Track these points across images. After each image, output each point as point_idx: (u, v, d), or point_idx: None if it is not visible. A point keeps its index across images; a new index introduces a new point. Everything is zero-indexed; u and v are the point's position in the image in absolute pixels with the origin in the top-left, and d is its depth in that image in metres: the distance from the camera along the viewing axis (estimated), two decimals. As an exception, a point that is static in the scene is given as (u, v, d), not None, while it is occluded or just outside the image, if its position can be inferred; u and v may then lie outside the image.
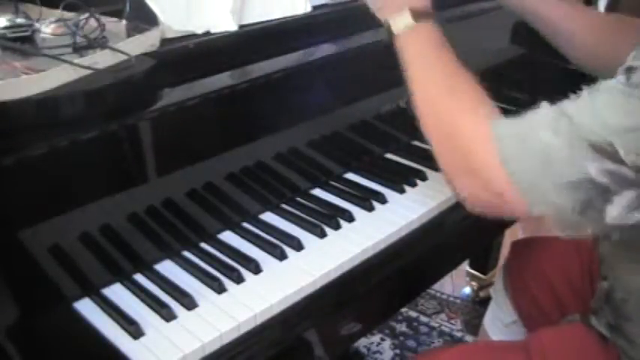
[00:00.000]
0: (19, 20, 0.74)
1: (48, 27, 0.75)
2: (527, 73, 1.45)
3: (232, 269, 0.79)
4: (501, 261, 1.84)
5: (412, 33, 0.76)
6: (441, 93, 0.73)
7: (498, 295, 1.23)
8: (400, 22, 0.76)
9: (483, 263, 1.86)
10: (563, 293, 1.07)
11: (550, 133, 0.63)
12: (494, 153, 0.66)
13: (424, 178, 1.01)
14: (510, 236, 1.84)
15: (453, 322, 1.84)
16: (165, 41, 0.80)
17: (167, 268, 0.81)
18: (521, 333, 1.17)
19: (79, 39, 0.72)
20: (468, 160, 0.69)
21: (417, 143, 1.14)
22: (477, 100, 0.72)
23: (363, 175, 1.02)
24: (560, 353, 0.89)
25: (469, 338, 1.76)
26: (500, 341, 1.20)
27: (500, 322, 1.23)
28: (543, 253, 1.12)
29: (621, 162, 0.60)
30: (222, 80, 0.83)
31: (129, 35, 0.78)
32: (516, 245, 1.23)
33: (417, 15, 0.76)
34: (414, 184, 0.99)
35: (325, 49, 0.97)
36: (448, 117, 0.71)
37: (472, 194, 0.70)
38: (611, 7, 2.80)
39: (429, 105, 0.73)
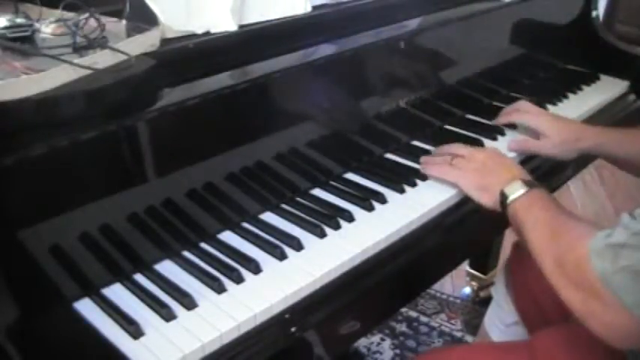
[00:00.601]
0: (19, 20, 0.74)
1: (48, 27, 0.75)
2: (527, 73, 1.45)
3: (232, 269, 0.79)
4: (501, 261, 1.84)
5: (527, 199, 0.88)
6: (553, 238, 0.80)
7: (499, 295, 1.23)
8: (515, 192, 0.88)
9: (483, 263, 1.86)
10: None
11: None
12: (593, 273, 0.69)
13: (424, 178, 1.01)
14: (510, 236, 1.85)
15: (453, 322, 1.84)
16: (165, 41, 0.80)
17: (167, 268, 0.81)
18: (521, 333, 1.17)
19: (79, 39, 0.72)
20: (579, 288, 0.72)
21: (417, 143, 1.14)
22: (579, 232, 0.77)
23: (363, 175, 1.02)
24: (565, 353, 0.89)
25: (469, 338, 1.76)
26: (503, 342, 1.20)
27: (500, 323, 1.23)
28: None
29: None
30: (222, 80, 0.83)
31: (129, 35, 0.78)
32: (518, 245, 1.23)
33: (526, 183, 0.89)
34: (414, 184, 0.99)
35: (325, 49, 0.97)
36: (561, 256, 0.76)
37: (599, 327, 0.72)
38: (611, 7, 2.80)
39: (545, 253, 0.80)
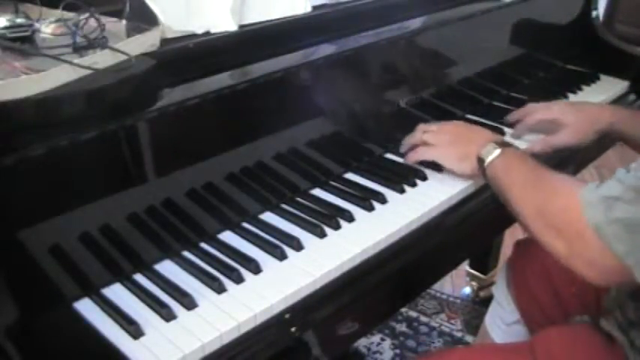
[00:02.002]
0: (19, 20, 0.74)
1: (48, 27, 0.75)
2: (527, 73, 1.45)
3: (232, 269, 0.79)
4: (501, 261, 1.84)
5: (503, 158, 0.91)
6: (538, 196, 0.83)
7: (500, 294, 1.23)
8: (490, 154, 0.91)
9: (483, 263, 1.86)
10: (566, 294, 1.07)
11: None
12: (585, 221, 0.73)
13: (424, 178, 1.01)
14: (510, 236, 1.85)
15: (452, 322, 1.84)
16: (165, 41, 0.80)
17: (167, 268, 0.81)
18: (522, 333, 1.17)
19: (79, 39, 0.72)
20: (562, 233, 0.77)
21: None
22: (562, 182, 0.82)
23: (363, 175, 1.02)
24: (566, 354, 0.89)
25: (469, 338, 1.76)
26: (503, 343, 1.20)
27: (501, 322, 1.23)
28: (546, 254, 1.12)
29: None
30: (222, 80, 0.83)
31: (129, 35, 0.78)
32: (520, 244, 1.23)
33: (499, 144, 0.93)
34: (414, 184, 0.99)
35: (325, 49, 0.97)
36: (547, 211, 0.80)
37: (574, 264, 0.77)
38: (611, 7, 2.80)
39: (532, 211, 0.83)
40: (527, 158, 0.90)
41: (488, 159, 0.91)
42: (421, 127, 1.04)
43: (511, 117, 1.19)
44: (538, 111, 1.14)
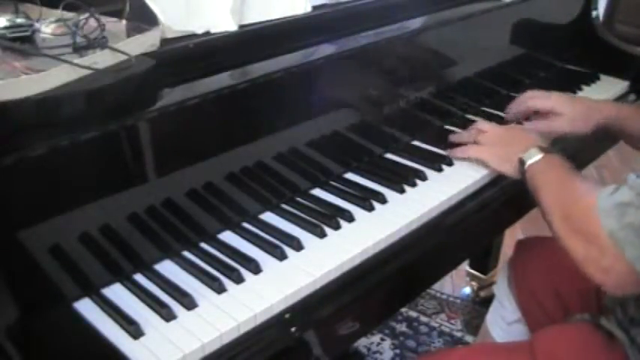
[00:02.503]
0: (19, 20, 0.74)
1: (48, 27, 0.75)
2: (527, 73, 1.45)
3: (232, 269, 0.79)
4: (501, 261, 1.85)
5: (542, 163, 0.94)
6: (563, 192, 0.87)
7: (502, 293, 1.23)
8: (532, 157, 0.95)
9: (483, 263, 1.86)
10: (567, 293, 1.07)
11: None
12: (601, 228, 0.75)
13: (424, 178, 1.01)
14: (510, 236, 1.85)
15: (452, 322, 1.84)
16: (165, 41, 0.80)
17: (167, 268, 0.81)
18: (523, 332, 1.18)
19: (79, 39, 0.72)
20: (582, 239, 0.79)
21: (417, 143, 1.14)
22: (586, 189, 0.84)
23: (363, 175, 1.02)
24: (566, 353, 0.89)
25: (469, 338, 1.76)
26: (503, 343, 1.20)
27: (502, 321, 1.23)
28: (548, 253, 1.12)
29: None
30: (222, 80, 0.83)
31: (129, 35, 0.78)
32: (521, 244, 1.23)
33: (542, 149, 0.95)
34: (414, 184, 0.99)
35: (325, 49, 0.97)
36: (568, 208, 0.84)
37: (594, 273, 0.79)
38: (611, 7, 2.80)
39: (554, 207, 0.86)
40: (565, 165, 0.92)
41: (529, 162, 0.94)
42: (478, 124, 1.09)
43: (511, 105, 1.21)
44: (537, 98, 1.15)
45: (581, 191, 0.84)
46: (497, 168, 1.02)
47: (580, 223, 0.80)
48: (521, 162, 0.96)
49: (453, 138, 1.11)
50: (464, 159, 1.06)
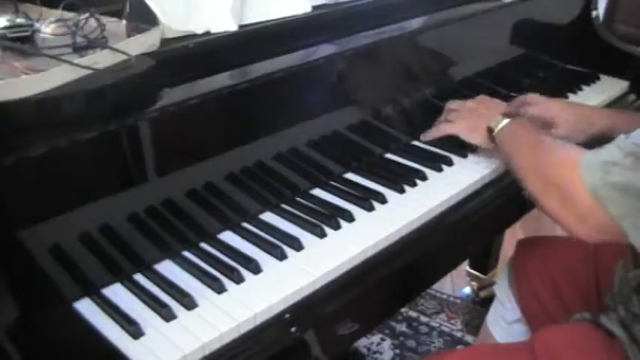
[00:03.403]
0: (19, 20, 0.74)
1: (48, 27, 0.75)
2: (527, 73, 1.45)
3: (232, 269, 0.79)
4: (501, 261, 1.84)
5: (510, 127, 0.97)
6: (538, 156, 0.88)
7: (502, 293, 1.23)
8: (499, 124, 0.98)
9: (483, 263, 1.86)
10: (567, 292, 1.07)
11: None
12: (583, 184, 0.76)
13: (424, 178, 1.01)
14: (510, 236, 1.85)
15: (453, 322, 1.84)
16: (165, 41, 0.80)
17: (167, 268, 0.81)
18: (524, 332, 1.18)
19: (79, 39, 0.72)
20: (557, 188, 0.81)
21: (417, 143, 1.14)
22: (565, 150, 0.85)
23: (363, 175, 1.02)
24: (565, 352, 0.89)
25: (469, 338, 1.76)
26: (504, 343, 1.20)
27: (503, 321, 1.23)
28: (549, 253, 1.13)
29: None
30: (222, 80, 0.83)
31: (129, 35, 0.78)
32: (522, 243, 1.23)
33: (509, 115, 0.99)
34: (414, 184, 0.99)
35: (325, 49, 0.97)
36: (545, 169, 0.85)
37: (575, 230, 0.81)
38: (611, 7, 2.80)
39: (531, 170, 0.88)
40: (533, 127, 0.95)
41: (497, 128, 0.98)
42: (448, 104, 1.12)
43: (511, 103, 1.20)
44: (538, 105, 1.15)
45: (558, 150, 0.85)
46: (469, 140, 1.05)
47: (555, 174, 0.81)
48: (490, 130, 0.99)
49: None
50: (461, 156, 1.08)
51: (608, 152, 0.76)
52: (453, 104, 1.11)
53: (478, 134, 1.03)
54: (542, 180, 0.84)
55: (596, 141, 1.14)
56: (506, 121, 0.98)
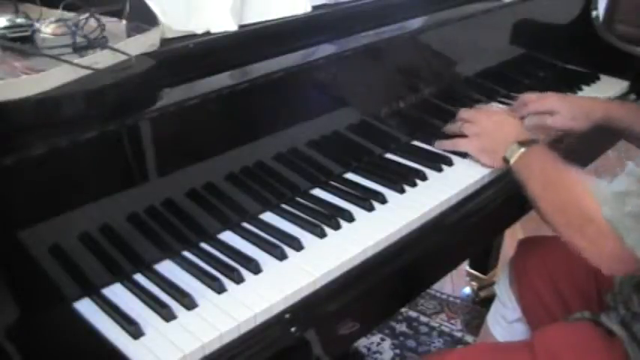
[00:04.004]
0: (19, 20, 0.74)
1: (48, 27, 0.75)
2: (527, 73, 1.45)
3: (232, 269, 0.79)
4: (501, 261, 1.84)
5: (526, 158, 0.97)
6: (557, 192, 0.88)
7: (503, 292, 1.23)
8: (514, 154, 0.98)
9: (483, 263, 1.86)
10: (568, 292, 1.08)
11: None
12: (601, 216, 0.77)
13: (424, 178, 1.01)
14: (510, 236, 1.85)
15: (452, 322, 1.84)
16: (165, 41, 0.80)
17: (167, 268, 0.81)
18: (524, 331, 1.18)
19: (79, 39, 0.72)
20: (582, 229, 0.82)
21: (417, 143, 1.14)
22: (579, 180, 0.86)
23: (363, 175, 1.02)
24: (565, 350, 0.89)
25: (469, 338, 1.76)
26: (503, 343, 1.20)
27: (503, 320, 1.23)
28: (549, 252, 1.13)
29: None
30: (222, 80, 0.83)
31: (129, 35, 0.78)
32: (523, 243, 1.24)
33: (524, 143, 0.98)
34: (414, 184, 0.99)
35: (325, 49, 0.97)
36: (564, 206, 0.86)
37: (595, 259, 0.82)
38: (611, 7, 2.81)
39: (550, 205, 0.89)
40: (549, 156, 0.94)
41: (512, 159, 0.98)
42: (462, 114, 1.11)
43: (511, 108, 1.22)
44: (533, 102, 1.16)
45: (572, 180, 0.86)
46: (483, 161, 1.05)
47: (578, 212, 0.82)
48: (505, 159, 0.99)
49: (444, 130, 1.14)
50: (460, 155, 1.08)
51: (619, 182, 0.77)
52: (466, 113, 1.11)
53: (494, 159, 1.02)
54: (566, 220, 0.85)
55: (599, 130, 1.14)
56: (521, 150, 0.97)
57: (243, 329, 0.72)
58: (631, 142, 1.16)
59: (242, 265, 0.80)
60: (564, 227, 0.85)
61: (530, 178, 0.93)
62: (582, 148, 1.19)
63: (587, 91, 1.40)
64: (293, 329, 0.75)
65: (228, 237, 0.87)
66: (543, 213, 0.89)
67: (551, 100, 1.15)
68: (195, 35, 0.83)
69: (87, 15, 0.74)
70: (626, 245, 0.75)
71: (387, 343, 1.74)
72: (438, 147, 1.11)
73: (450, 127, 1.13)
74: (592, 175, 0.88)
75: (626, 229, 0.75)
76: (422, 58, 1.14)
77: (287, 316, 0.75)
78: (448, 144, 1.09)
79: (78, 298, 0.74)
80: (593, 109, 1.13)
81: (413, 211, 0.92)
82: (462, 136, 1.08)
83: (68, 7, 0.75)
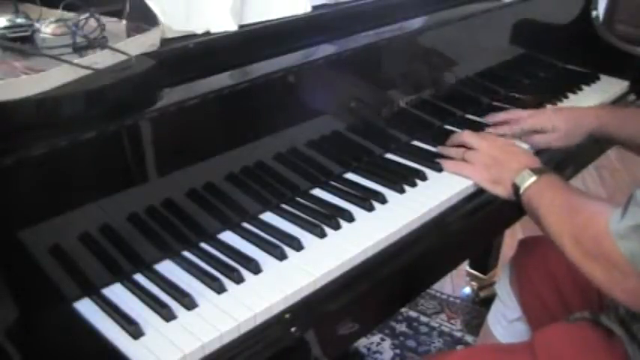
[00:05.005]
0: (19, 20, 0.74)
1: (48, 27, 0.75)
2: (527, 73, 1.45)
3: (232, 269, 0.79)
4: (502, 261, 1.85)
5: (538, 187, 0.92)
6: (568, 217, 0.85)
7: (503, 291, 1.24)
8: (525, 181, 0.93)
9: (483, 263, 1.86)
10: (568, 291, 1.08)
11: None
12: (620, 252, 0.74)
13: (424, 178, 1.01)
14: (510, 236, 1.85)
15: (452, 322, 1.84)
16: (165, 41, 0.80)
17: (167, 268, 0.81)
18: (524, 330, 1.18)
19: (79, 39, 0.72)
20: (600, 263, 0.78)
21: (417, 143, 1.14)
22: (593, 211, 0.82)
23: (363, 175, 1.02)
24: (565, 350, 0.89)
25: (469, 338, 1.76)
26: (504, 344, 1.20)
27: (504, 319, 1.24)
28: (549, 252, 1.13)
29: None
30: (222, 80, 0.83)
31: (129, 35, 0.78)
32: (523, 242, 1.24)
33: (534, 171, 0.93)
34: (414, 184, 0.99)
35: (325, 49, 0.97)
36: (578, 233, 0.82)
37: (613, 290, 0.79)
38: (611, 7, 2.81)
39: (567, 238, 0.83)
40: (562, 185, 0.91)
41: (523, 186, 0.93)
42: (465, 136, 1.06)
43: (493, 118, 1.19)
44: (524, 120, 1.14)
45: (590, 214, 0.81)
46: (489, 190, 1.00)
47: (595, 248, 0.78)
48: (515, 187, 0.94)
49: (441, 151, 1.09)
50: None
51: (633, 216, 0.73)
52: (471, 140, 1.05)
53: (502, 188, 0.98)
54: (582, 253, 0.80)
55: (591, 141, 1.14)
56: (533, 178, 0.92)
57: (243, 329, 0.72)
58: (628, 149, 1.15)
59: (242, 265, 0.80)
60: (582, 261, 0.81)
61: (543, 208, 0.88)
62: (582, 148, 1.19)
63: (587, 91, 1.40)
64: (293, 329, 0.75)
65: (228, 237, 0.87)
66: (558, 244, 0.85)
67: (543, 118, 1.12)
68: (195, 35, 0.83)
69: (87, 15, 0.75)
70: None
71: (387, 343, 1.74)
72: (444, 168, 1.04)
73: (449, 151, 1.07)
74: (605, 201, 0.85)
75: None
76: (422, 58, 1.14)
77: (287, 316, 0.75)
78: (452, 166, 1.04)
79: (78, 298, 0.74)
80: (586, 121, 1.11)
81: (413, 211, 0.92)
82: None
83: (68, 7, 0.76)
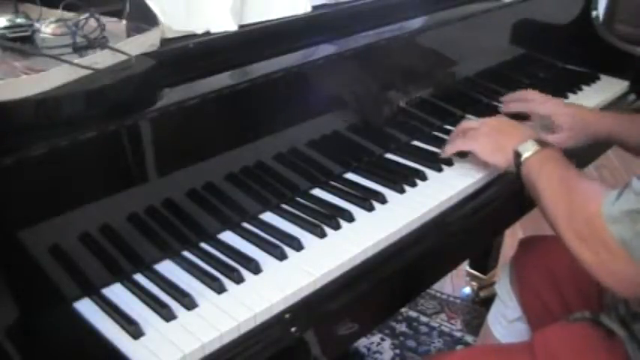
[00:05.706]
0: (19, 20, 0.74)
1: (48, 27, 0.75)
2: (527, 73, 1.45)
3: (232, 269, 0.79)
4: (502, 261, 1.85)
5: (540, 157, 0.91)
6: (565, 195, 0.84)
7: (503, 291, 1.24)
8: (529, 150, 0.91)
9: (483, 263, 1.86)
10: (569, 291, 1.08)
11: None
12: (610, 235, 0.74)
13: (424, 178, 1.01)
14: (510, 236, 1.85)
15: (452, 322, 1.84)
16: (165, 41, 0.80)
17: (167, 268, 0.81)
18: (524, 330, 1.18)
19: (79, 39, 0.72)
20: (589, 244, 0.78)
21: (417, 143, 1.14)
22: (588, 192, 0.82)
23: (363, 175, 1.02)
24: (565, 350, 0.89)
25: (469, 338, 1.76)
26: (505, 343, 1.20)
27: (504, 319, 1.24)
28: (550, 252, 1.13)
29: None
30: (222, 80, 0.83)
31: (129, 35, 0.78)
32: (523, 242, 1.24)
33: (540, 142, 0.92)
34: (414, 184, 0.99)
35: (325, 49, 0.97)
36: (572, 211, 0.81)
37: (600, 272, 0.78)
38: (611, 7, 2.80)
39: (561, 218, 0.83)
40: (563, 161, 0.89)
41: (525, 154, 0.91)
42: (464, 123, 1.06)
43: (506, 98, 1.21)
44: (534, 103, 1.15)
45: (585, 195, 0.81)
46: (488, 159, 0.98)
47: (586, 228, 0.78)
48: (516, 154, 0.92)
49: (443, 153, 1.08)
50: (460, 156, 1.04)
51: (627, 201, 0.73)
52: (468, 123, 1.05)
53: (501, 155, 0.96)
54: (573, 232, 0.80)
55: (595, 145, 1.14)
56: (537, 147, 0.91)
57: (243, 329, 0.72)
58: (629, 152, 1.14)
59: (242, 265, 0.80)
60: (570, 235, 0.80)
61: (541, 181, 0.87)
62: (582, 147, 1.19)
63: (587, 91, 1.40)
64: (293, 329, 0.75)
65: (228, 237, 0.87)
66: (551, 219, 0.85)
67: (551, 107, 1.12)
68: (195, 35, 0.83)
69: (87, 15, 0.75)
70: (637, 266, 0.72)
71: (387, 343, 1.74)
72: (444, 153, 1.04)
73: (452, 137, 1.07)
74: (598, 182, 0.84)
75: (638, 249, 0.72)
76: (422, 58, 1.14)
77: (287, 316, 0.75)
78: (449, 148, 1.03)
79: (78, 298, 0.74)
80: (595, 126, 1.10)
81: (413, 211, 0.92)
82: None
83: (68, 7, 0.76)
